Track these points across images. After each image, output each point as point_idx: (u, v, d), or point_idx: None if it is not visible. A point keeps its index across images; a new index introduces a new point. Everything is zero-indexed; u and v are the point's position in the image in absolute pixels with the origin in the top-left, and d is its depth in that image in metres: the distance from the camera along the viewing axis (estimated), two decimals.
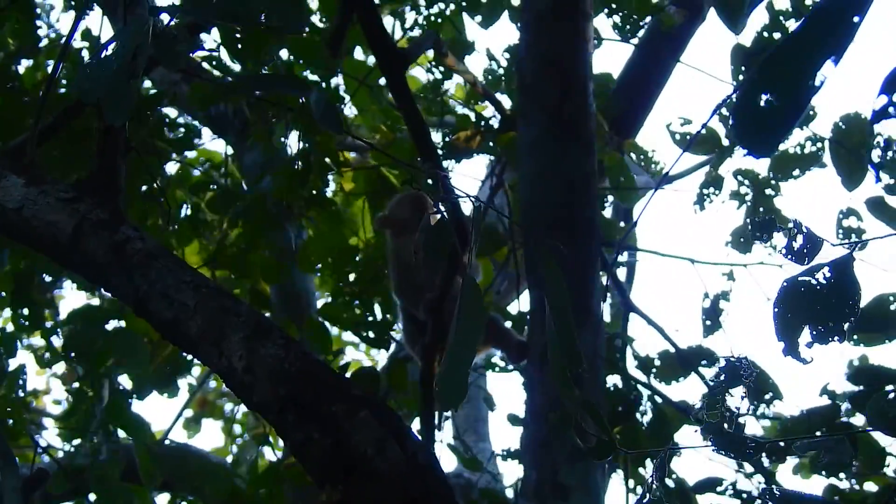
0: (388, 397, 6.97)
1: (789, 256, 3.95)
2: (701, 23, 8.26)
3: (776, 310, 3.96)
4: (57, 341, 7.51)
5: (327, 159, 7.20)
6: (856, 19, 2.43)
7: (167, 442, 7.82)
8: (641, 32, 7.96)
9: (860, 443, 6.43)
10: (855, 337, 6.76)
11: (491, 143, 7.47)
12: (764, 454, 6.56)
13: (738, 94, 2.58)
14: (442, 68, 7.85)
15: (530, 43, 6.04)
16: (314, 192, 7.08)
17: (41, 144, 4.15)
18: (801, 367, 5.10)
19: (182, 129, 7.25)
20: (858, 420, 6.56)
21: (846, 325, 3.94)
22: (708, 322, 7.33)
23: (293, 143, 7.26)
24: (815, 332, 4.09)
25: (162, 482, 7.15)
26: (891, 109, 2.46)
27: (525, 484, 6.31)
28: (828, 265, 3.65)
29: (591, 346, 5.83)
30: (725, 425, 4.14)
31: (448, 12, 8.05)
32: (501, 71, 8.04)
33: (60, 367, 8.51)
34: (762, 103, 2.55)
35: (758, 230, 4.06)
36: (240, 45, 5.78)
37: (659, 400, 7.08)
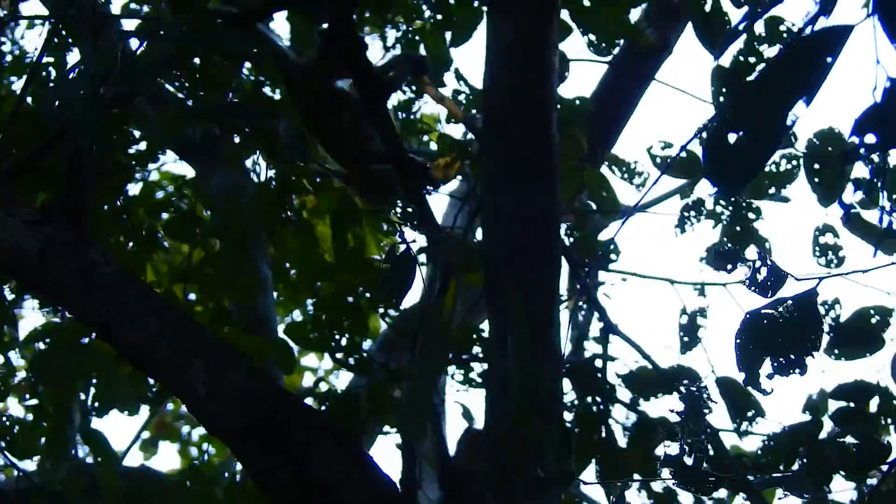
0: (370, 421, 6.88)
1: (753, 289, 3.98)
2: (677, 39, 8.26)
3: (738, 341, 3.98)
4: (15, 358, 7.42)
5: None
6: (829, 59, 2.44)
7: (124, 465, 7.72)
8: (616, 50, 7.95)
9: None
10: (836, 352, 6.77)
11: (467, 171, 7.42)
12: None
13: (709, 132, 2.60)
14: (413, 88, 7.79)
15: (495, 76, 6.04)
16: (288, 213, 7.04)
17: (14, 179, 4.11)
18: (784, 383, 5.13)
19: (144, 144, 7.19)
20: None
21: (808, 359, 3.97)
22: (686, 339, 7.32)
23: (262, 166, 7.22)
24: (776, 365, 4.12)
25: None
26: (861, 151, 2.48)
27: None
28: (791, 299, 3.68)
29: (549, 377, 5.82)
30: (686, 458, 4.16)
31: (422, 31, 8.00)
32: (467, 94, 8.01)
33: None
34: (733, 141, 2.56)
35: (721, 260, 4.09)
36: (200, 76, 5.75)
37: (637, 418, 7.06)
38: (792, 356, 4.11)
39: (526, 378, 3.70)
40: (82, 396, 6.92)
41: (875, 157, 2.52)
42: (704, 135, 6.47)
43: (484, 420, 6.19)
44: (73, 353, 6.68)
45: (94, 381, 6.80)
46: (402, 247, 4.45)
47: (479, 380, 7.28)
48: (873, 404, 5.53)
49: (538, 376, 3.80)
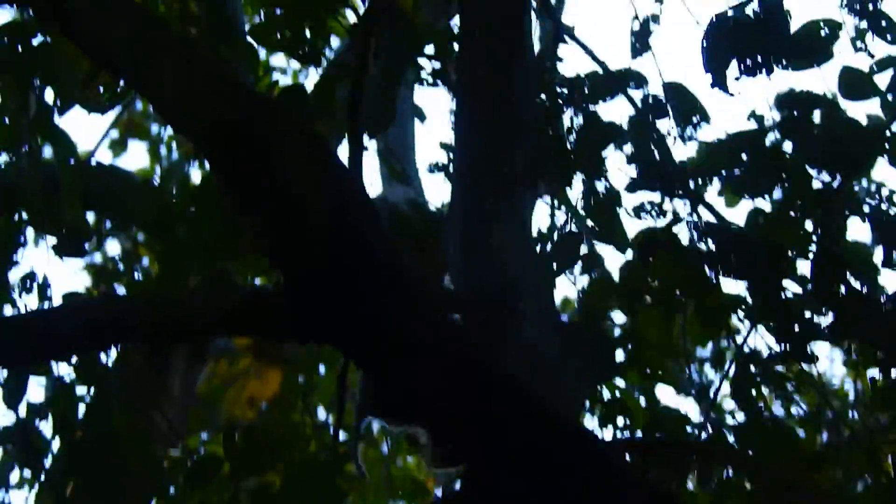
0: (316, 119, 6.88)
1: None
2: None
3: (705, 43, 3.98)
4: None
5: None
6: None
7: (92, 162, 7.71)
8: None
9: (788, 170, 6.53)
10: (783, 62, 6.74)
11: None
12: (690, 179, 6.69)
13: None
14: None
15: None
16: None
17: None
18: (730, 94, 5.11)
19: None
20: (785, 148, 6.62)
21: (774, 59, 3.97)
22: (637, 44, 7.28)
23: None
24: (743, 65, 4.12)
25: (85, 202, 7.11)
26: None
27: (451, 211, 6.37)
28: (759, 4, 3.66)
29: (522, 79, 5.80)
30: (654, 152, 4.21)
31: None
32: None
33: None
34: None
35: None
36: None
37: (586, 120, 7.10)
38: (759, 56, 4.11)
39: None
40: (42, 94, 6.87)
41: None
42: None
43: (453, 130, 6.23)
44: (33, 50, 6.62)
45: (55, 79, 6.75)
46: None
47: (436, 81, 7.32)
48: (818, 115, 5.51)
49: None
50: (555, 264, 6.10)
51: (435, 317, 3.37)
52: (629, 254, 7.31)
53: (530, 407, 3.29)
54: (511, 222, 6.05)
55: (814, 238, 3.82)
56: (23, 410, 6.63)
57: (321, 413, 11.72)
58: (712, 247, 3.84)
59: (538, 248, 6.45)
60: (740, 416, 7.20)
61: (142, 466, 6.10)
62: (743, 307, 7.13)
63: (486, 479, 3.65)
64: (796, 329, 3.87)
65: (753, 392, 4.70)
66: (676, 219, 7.02)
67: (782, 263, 3.78)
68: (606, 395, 7.17)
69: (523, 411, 3.27)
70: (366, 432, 10.90)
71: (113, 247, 8.82)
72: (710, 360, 8.48)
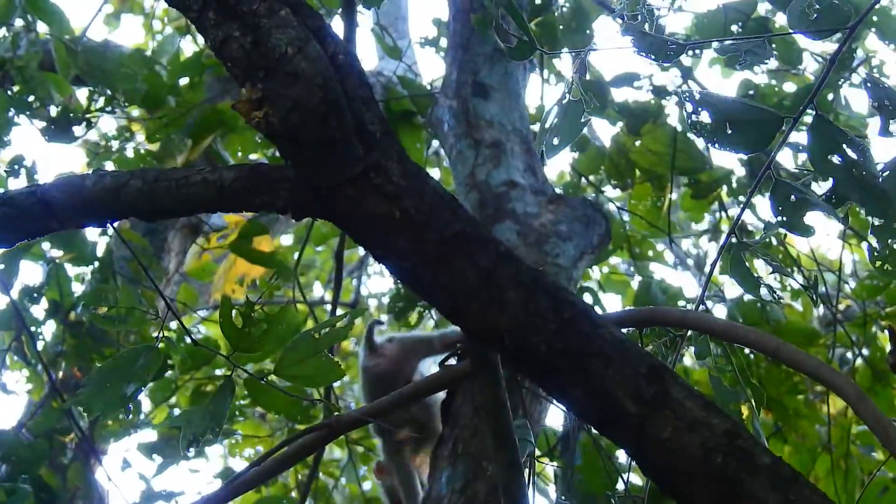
0: None
1: None
2: None
3: None
4: None
5: None
6: None
7: (86, 38, 7.66)
8: None
9: (778, 41, 6.47)
10: None
11: None
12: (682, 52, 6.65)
13: None
14: None
15: None
16: None
17: None
18: None
19: None
20: (779, 19, 6.57)
21: None
22: None
23: None
24: None
25: (79, 77, 7.08)
26: None
27: (446, 83, 6.37)
28: None
29: None
30: (646, 25, 4.15)
31: None
32: None
33: None
34: None
35: None
36: None
37: None
38: None
39: None
40: None
41: None
42: None
43: None
44: None
45: None
46: None
47: None
48: None
49: None
50: (556, 138, 6.07)
51: (429, 188, 3.35)
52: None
53: (524, 276, 3.29)
54: (504, 94, 6.02)
55: (811, 105, 3.75)
56: (15, 294, 6.65)
57: (318, 289, 11.77)
58: (705, 118, 3.76)
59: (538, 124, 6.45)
60: (737, 290, 7.24)
61: (140, 348, 6.12)
62: (734, 180, 7.15)
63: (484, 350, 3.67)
64: (792, 199, 3.83)
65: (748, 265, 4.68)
66: (664, 92, 7.01)
67: (777, 133, 3.73)
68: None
69: (517, 280, 3.27)
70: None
71: (106, 124, 8.80)
72: (706, 233, 8.52)
